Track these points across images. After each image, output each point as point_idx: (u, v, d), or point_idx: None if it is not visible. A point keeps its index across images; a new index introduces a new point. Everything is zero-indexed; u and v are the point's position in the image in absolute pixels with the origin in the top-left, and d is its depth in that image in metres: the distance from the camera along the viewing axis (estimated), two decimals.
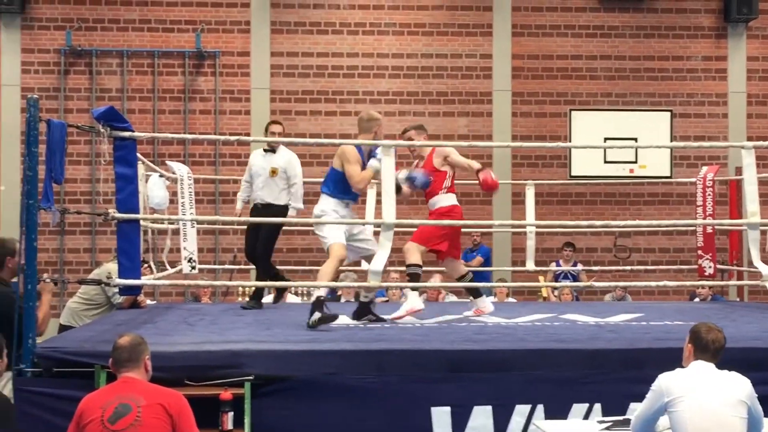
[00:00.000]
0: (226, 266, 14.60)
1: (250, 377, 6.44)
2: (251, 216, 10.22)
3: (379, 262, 7.54)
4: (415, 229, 9.12)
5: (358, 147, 8.67)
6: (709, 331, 5.53)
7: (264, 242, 10.18)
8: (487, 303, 9.23)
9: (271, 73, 16.23)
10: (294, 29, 16.33)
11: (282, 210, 10.21)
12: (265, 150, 10.34)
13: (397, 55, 16.45)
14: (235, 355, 6.61)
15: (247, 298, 14.44)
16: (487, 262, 15.01)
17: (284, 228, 15.24)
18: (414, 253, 8.61)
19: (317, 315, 7.98)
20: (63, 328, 9.48)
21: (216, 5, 16.21)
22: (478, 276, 13.80)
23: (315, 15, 16.36)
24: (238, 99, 16.19)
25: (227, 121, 16.04)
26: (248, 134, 15.77)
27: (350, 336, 7.62)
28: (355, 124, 15.78)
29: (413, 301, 8.68)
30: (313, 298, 8.34)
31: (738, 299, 12.65)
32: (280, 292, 11.61)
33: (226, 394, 6.32)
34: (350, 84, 16.35)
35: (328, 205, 8.61)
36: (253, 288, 10.79)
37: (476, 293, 9.20)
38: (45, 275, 7.30)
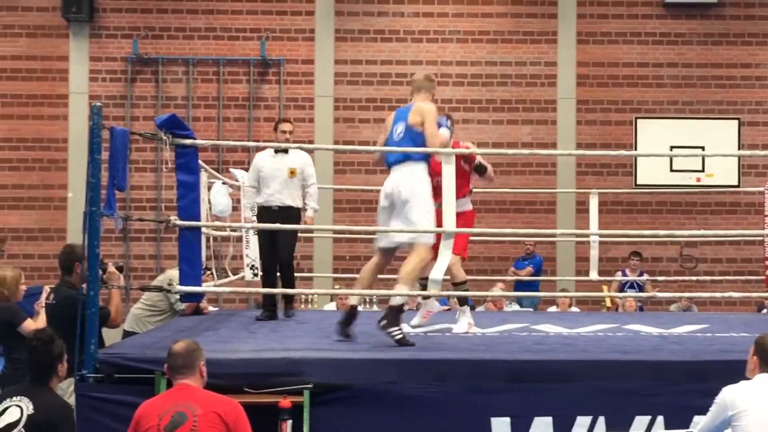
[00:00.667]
0: None
1: (309, 385, 6.43)
2: (264, 221, 9.42)
3: (439, 271, 7.47)
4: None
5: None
6: None
7: (290, 248, 9.65)
8: (435, 306, 8.96)
9: (335, 80, 16.28)
10: (358, 37, 16.37)
11: (299, 213, 9.77)
12: (276, 150, 9.75)
13: (461, 62, 16.42)
14: (295, 362, 6.60)
15: (308, 305, 14.56)
16: (538, 272, 14.89)
17: (349, 235, 15.39)
18: (461, 269, 8.40)
19: (398, 334, 7.33)
20: (127, 334, 9.57)
21: (281, 13, 16.31)
22: (528, 286, 13.75)
23: (379, 23, 16.38)
24: (302, 107, 16.26)
25: None
26: (312, 141, 15.81)
27: (409, 346, 7.56)
28: None
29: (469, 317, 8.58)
30: (391, 304, 7.52)
31: None
32: (290, 303, 10.23)
33: (285, 402, 6.31)
34: None
35: (423, 174, 7.71)
36: (269, 298, 9.86)
37: (463, 302, 8.69)
38: (110, 262, 7.38)
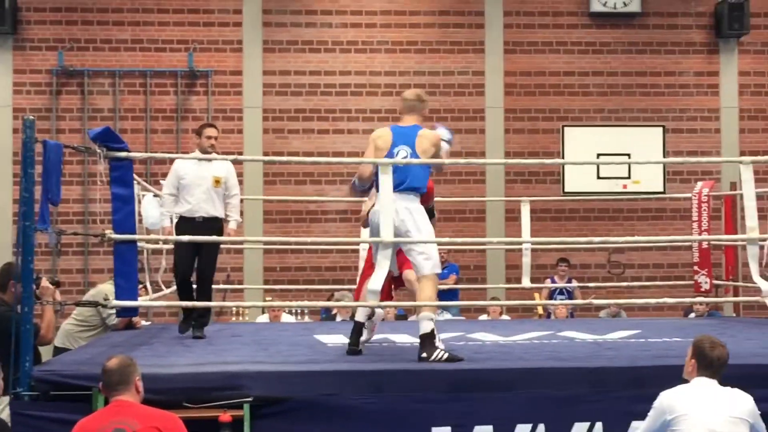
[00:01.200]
0: (220, 286, 14.50)
1: (249, 399, 6.39)
2: (184, 233, 8.73)
3: (377, 281, 7.45)
4: None
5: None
6: (713, 348, 5.50)
7: (213, 262, 9.15)
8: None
9: (264, 91, 16.22)
10: (286, 48, 16.32)
11: (221, 224, 9.22)
12: (199, 158, 9.14)
13: (390, 72, 16.45)
14: (234, 376, 6.56)
15: (240, 318, 14.46)
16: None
17: (279, 246, 15.35)
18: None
19: (443, 354, 7.12)
20: (58, 351, 9.44)
21: (208, 24, 16.21)
22: (450, 295, 13.79)
23: (307, 34, 16.36)
24: (231, 118, 16.16)
25: (220, 140, 15.71)
26: (241, 153, 15.73)
27: (348, 356, 7.56)
28: (348, 142, 16.12)
29: None
30: (422, 332, 7.20)
31: (734, 315, 12.61)
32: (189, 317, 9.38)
33: (225, 416, 6.27)
34: (343, 102, 16.34)
35: (414, 204, 7.59)
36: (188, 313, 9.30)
37: None
38: (44, 277, 7.26)
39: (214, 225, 9.09)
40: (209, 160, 9.16)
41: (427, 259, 7.37)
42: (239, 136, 16.10)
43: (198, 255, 9.03)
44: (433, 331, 7.18)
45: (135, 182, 8.21)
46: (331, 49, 16.39)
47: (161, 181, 11.89)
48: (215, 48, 16.21)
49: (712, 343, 5.54)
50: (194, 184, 8.99)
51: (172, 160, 15.50)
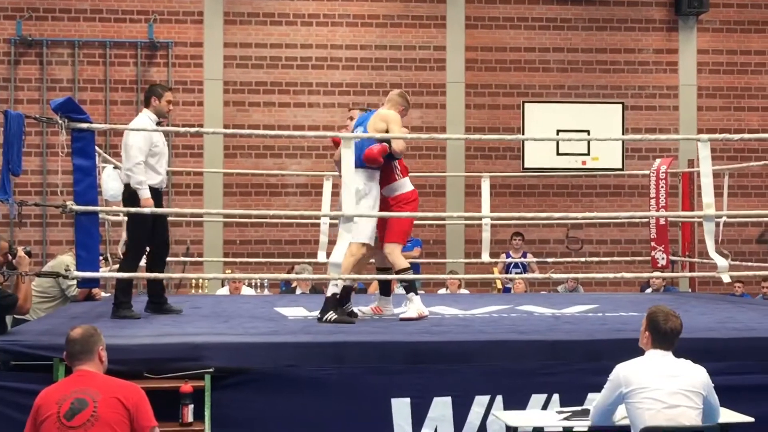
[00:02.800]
0: (180, 258, 14.51)
1: (210, 370, 6.42)
2: (159, 206, 8.42)
3: (338, 254, 7.51)
4: None
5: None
6: (666, 319, 5.55)
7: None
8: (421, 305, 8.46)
9: (225, 64, 16.16)
10: (247, 20, 16.26)
11: None
12: (158, 124, 8.61)
13: (351, 46, 16.43)
14: (195, 347, 6.58)
15: (200, 290, 14.45)
16: None
17: (240, 219, 15.35)
18: (399, 256, 8.23)
19: (332, 315, 7.84)
20: (17, 322, 9.38)
21: None
22: (413, 268, 13.85)
23: (268, 6, 16.30)
24: (191, 90, 16.10)
25: (180, 113, 15.90)
26: (201, 125, 15.68)
27: (309, 328, 7.61)
28: (308, 115, 16.11)
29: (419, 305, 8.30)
30: (328, 294, 7.98)
31: (690, 290, 12.77)
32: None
33: (186, 387, 6.30)
34: (304, 75, 16.31)
35: (360, 178, 7.98)
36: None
37: (411, 288, 8.42)
38: (20, 247, 7.22)
39: (161, 195, 8.75)
40: (166, 131, 8.94)
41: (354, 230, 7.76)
42: (200, 109, 16.05)
43: (164, 227, 8.77)
44: (334, 295, 7.88)
45: (96, 154, 8.17)
46: (292, 22, 16.35)
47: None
48: (176, 19, 16.11)
49: (665, 314, 5.59)
50: (163, 153, 8.50)
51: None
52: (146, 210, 7.99)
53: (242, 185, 16.08)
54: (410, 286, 8.34)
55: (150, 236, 8.43)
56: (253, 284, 13.85)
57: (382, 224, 8.24)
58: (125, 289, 8.30)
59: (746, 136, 9.23)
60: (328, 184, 11.26)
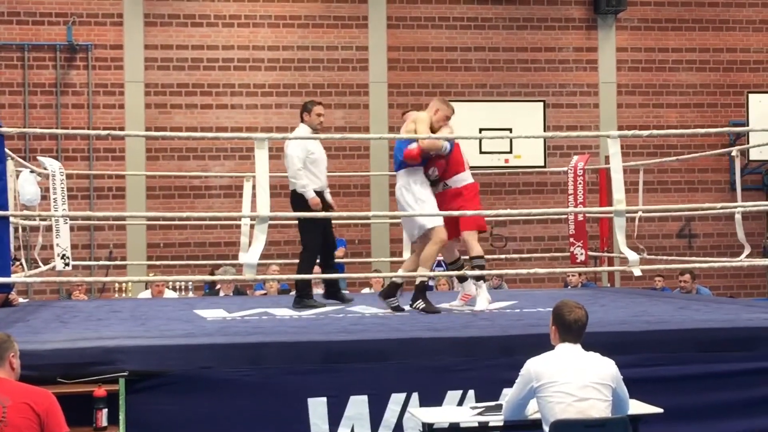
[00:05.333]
0: (102, 262, 14.40)
1: (125, 373, 6.37)
2: (324, 208, 9.19)
3: (253, 255, 7.51)
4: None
5: None
6: (570, 311, 5.62)
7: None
8: (472, 289, 9.17)
9: (146, 66, 16.06)
10: (168, 21, 16.18)
11: None
12: (313, 136, 9.35)
13: (273, 47, 16.43)
14: (109, 351, 6.51)
15: (123, 294, 14.34)
16: None
17: (163, 222, 15.27)
18: (475, 243, 8.82)
19: (421, 303, 8.62)
20: None
21: None
22: (337, 268, 13.92)
23: (189, 7, 16.23)
24: (112, 92, 15.98)
25: (101, 115, 15.79)
26: (122, 128, 15.57)
27: (226, 329, 7.59)
28: (231, 117, 16.07)
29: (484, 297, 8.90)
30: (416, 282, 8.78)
31: (609, 285, 12.93)
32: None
33: (100, 391, 6.24)
34: (226, 77, 16.27)
35: (404, 180, 8.78)
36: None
37: (464, 278, 9.28)
38: None
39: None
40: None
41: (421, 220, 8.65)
42: (120, 111, 15.94)
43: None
44: (422, 283, 8.82)
45: (9, 158, 8.09)
46: (213, 23, 16.30)
47: (39, 157, 11.74)
48: (95, 21, 15.99)
49: (569, 307, 5.65)
50: (322, 160, 9.37)
51: (52, 136, 15.42)
52: (79, 213, 8.05)
53: (165, 188, 15.99)
54: (479, 276, 8.88)
55: (323, 235, 9.34)
56: (176, 287, 13.79)
57: (452, 218, 8.76)
58: (306, 286, 9.42)
59: (655, 132, 9.32)
60: (248, 185, 11.23)
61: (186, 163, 16.01)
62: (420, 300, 8.71)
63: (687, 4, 17.49)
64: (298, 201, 9.17)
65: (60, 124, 15.59)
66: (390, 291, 8.98)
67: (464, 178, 9.03)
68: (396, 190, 8.89)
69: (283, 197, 15.35)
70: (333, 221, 14.68)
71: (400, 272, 8.99)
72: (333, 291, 9.74)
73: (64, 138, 15.69)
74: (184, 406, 6.46)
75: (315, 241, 9.26)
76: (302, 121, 9.49)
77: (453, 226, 8.84)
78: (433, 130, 8.78)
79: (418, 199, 8.68)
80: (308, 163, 9.18)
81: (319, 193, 9.21)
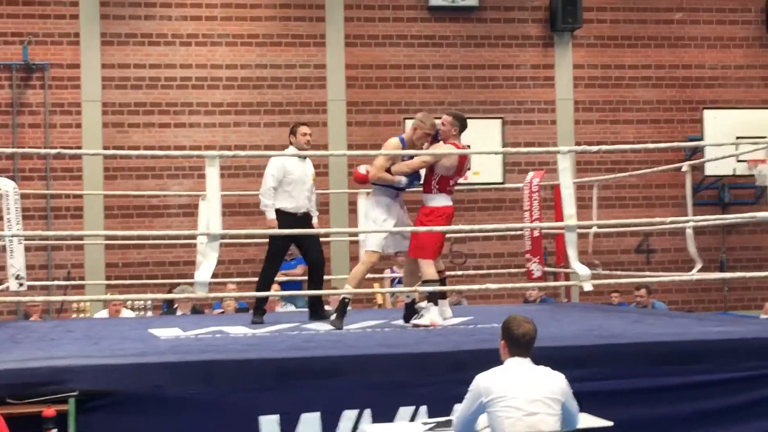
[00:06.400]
0: (60, 282, 14.31)
1: (75, 393, 6.33)
2: (293, 227, 9.37)
3: (205, 273, 7.50)
4: None
5: (402, 142, 9.12)
6: (519, 326, 5.65)
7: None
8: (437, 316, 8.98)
9: (103, 85, 16.01)
10: (125, 41, 16.15)
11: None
12: (299, 157, 9.62)
13: (231, 66, 16.42)
14: (59, 370, 6.46)
15: (80, 314, 14.25)
16: None
17: (121, 241, 15.20)
18: (425, 267, 8.93)
19: (334, 316, 8.86)
20: None
21: (44, 17, 15.91)
22: (295, 285, 13.94)
23: (146, 26, 16.21)
24: (69, 112, 15.91)
25: (58, 135, 15.73)
26: (80, 147, 15.49)
27: (178, 348, 7.57)
28: (189, 136, 16.04)
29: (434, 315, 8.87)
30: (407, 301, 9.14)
31: (566, 300, 12.97)
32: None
33: (49, 411, 6.19)
34: (184, 95, 16.25)
35: (372, 195, 9.23)
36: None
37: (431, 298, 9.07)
38: None
39: (310, 221, 9.88)
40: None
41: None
42: (78, 131, 15.87)
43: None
44: (413, 301, 9.07)
45: None
46: (171, 42, 16.28)
47: None
48: (51, 41, 15.93)
49: (517, 321, 5.68)
50: (301, 181, 9.59)
51: (8, 156, 15.32)
52: (35, 233, 8.03)
53: (123, 207, 15.92)
54: (431, 296, 8.87)
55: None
56: (134, 307, 13.72)
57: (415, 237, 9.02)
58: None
59: (604, 147, 9.47)
60: (203, 204, 11.20)
61: (144, 182, 15.96)
62: (336, 316, 8.86)
63: (642, 21, 17.65)
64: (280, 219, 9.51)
65: (16, 143, 15.50)
66: (409, 312, 9.16)
67: (427, 200, 9.15)
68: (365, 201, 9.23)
69: (242, 215, 15.76)
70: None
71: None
72: (315, 309, 10.00)
73: (21, 158, 15.60)
74: (135, 426, 6.43)
75: (276, 258, 9.70)
76: (290, 143, 9.76)
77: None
78: (415, 149, 9.03)
79: (370, 218, 9.11)
80: (285, 183, 9.48)
81: (293, 215, 9.51)
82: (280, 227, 9.38)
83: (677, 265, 16.52)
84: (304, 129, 9.71)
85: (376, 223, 9.00)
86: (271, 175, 9.49)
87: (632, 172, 13.99)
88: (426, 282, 8.77)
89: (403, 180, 9.04)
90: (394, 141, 9.16)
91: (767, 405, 7.11)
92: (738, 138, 15.15)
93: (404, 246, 9.15)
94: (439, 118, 9.27)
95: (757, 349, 7.31)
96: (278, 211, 9.55)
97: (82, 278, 15.31)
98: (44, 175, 15.78)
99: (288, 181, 9.49)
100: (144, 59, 16.19)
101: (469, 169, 9.74)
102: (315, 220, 10.01)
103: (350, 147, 16.36)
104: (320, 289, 9.87)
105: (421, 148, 9.03)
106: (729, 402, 7.09)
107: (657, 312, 12.28)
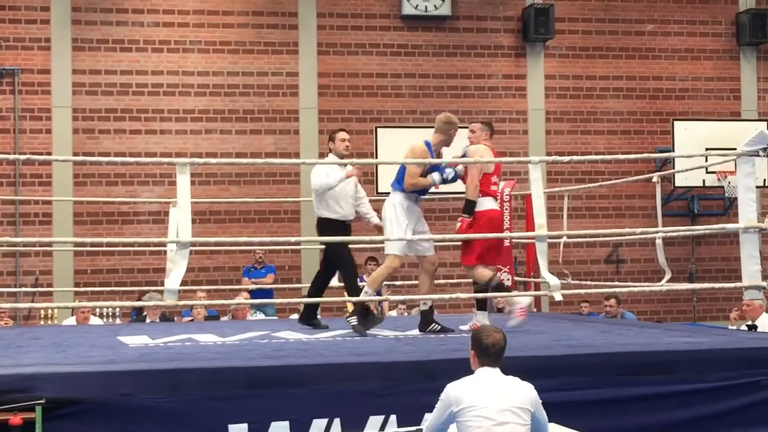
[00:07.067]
0: (28, 289, 14.22)
1: (42, 401, 6.28)
2: (348, 234, 9.65)
3: (174, 281, 7.46)
4: None
5: (429, 146, 9.15)
6: (488, 335, 5.66)
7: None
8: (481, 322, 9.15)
9: (73, 90, 15.93)
10: (96, 46, 16.07)
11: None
12: (339, 165, 9.61)
13: (203, 72, 16.38)
14: (26, 378, 6.41)
15: (48, 321, 14.15)
16: None
17: (90, 248, 15.11)
18: (478, 273, 9.27)
19: (436, 326, 9.02)
20: None
21: (14, 21, 15.82)
22: (266, 294, 13.92)
23: (118, 32, 16.14)
24: (39, 117, 15.82)
25: (27, 140, 15.62)
26: (50, 153, 15.41)
27: (146, 356, 7.53)
28: (160, 143, 15.98)
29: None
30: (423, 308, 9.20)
31: (536, 310, 13.00)
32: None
33: (16, 419, 6.14)
34: (155, 102, 16.18)
35: (395, 199, 9.09)
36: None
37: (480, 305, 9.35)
38: None
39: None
40: None
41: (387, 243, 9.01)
42: (48, 136, 15.77)
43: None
44: (430, 308, 9.19)
45: None
46: (142, 48, 16.22)
47: None
48: (22, 46, 15.83)
49: (487, 331, 5.70)
50: (342, 188, 9.63)
51: None
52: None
53: (93, 213, 15.83)
54: (480, 303, 9.23)
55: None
56: (103, 314, 13.64)
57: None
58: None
59: (575, 158, 9.46)
60: (174, 210, 11.17)
61: (114, 188, 15.88)
62: (356, 318, 9.00)
63: (614, 32, 17.74)
64: (323, 226, 9.68)
65: None
66: (426, 320, 9.24)
67: (485, 204, 9.30)
68: (386, 203, 9.19)
69: (213, 223, 15.72)
70: (264, 247, 14.84)
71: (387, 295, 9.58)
72: (309, 316, 10.04)
73: None
74: None
75: (349, 264, 9.65)
76: (329, 150, 9.85)
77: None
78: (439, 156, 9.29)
79: (395, 221, 9.03)
80: (329, 192, 9.57)
81: (342, 222, 9.65)
82: (330, 234, 9.45)
83: (647, 276, 16.60)
84: (342, 135, 9.74)
85: (400, 227, 8.98)
86: (318, 182, 9.55)
87: (603, 183, 14.04)
88: (474, 286, 9.13)
89: (437, 178, 9.22)
90: (421, 146, 9.19)
91: (735, 415, 7.15)
92: (707, 149, 15.19)
93: (419, 251, 9.23)
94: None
95: (725, 360, 7.35)
96: (325, 220, 9.65)
97: (50, 285, 15.21)
98: (13, 180, 15.67)
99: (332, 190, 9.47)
100: (115, 65, 16.11)
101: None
102: (377, 220, 9.96)
103: (321, 155, 16.28)
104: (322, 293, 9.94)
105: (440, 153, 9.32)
106: (697, 413, 7.12)
107: (626, 322, 12.32)
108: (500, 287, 9.43)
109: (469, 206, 9.26)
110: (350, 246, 9.66)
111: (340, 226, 9.59)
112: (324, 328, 9.65)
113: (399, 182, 9.14)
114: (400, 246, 8.98)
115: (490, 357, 5.63)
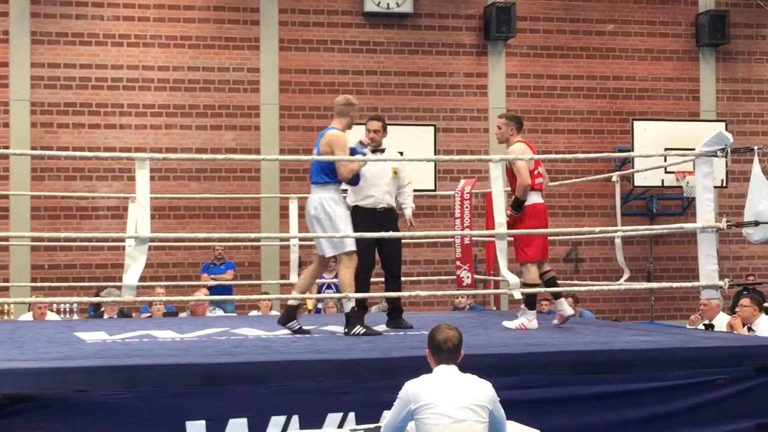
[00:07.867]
0: None
1: None
2: (372, 223, 8.99)
3: (132, 276, 7.41)
4: None
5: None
6: (440, 332, 5.69)
7: (399, 254, 9.64)
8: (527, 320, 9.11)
9: (32, 84, 15.81)
10: (56, 40, 15.96)
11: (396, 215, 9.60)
12: (373, 150, 9.28)
13: (163, 67, 16.30)
14: None
15: (5, 317, 14.02)
16: None
17: (48, 243, 15.00)
18: (529, 272, 9.05)
19: (360, 329, 8.49)
20: None
21: None
22: (225, 290, 13.87)
23: (77, 26, 16.03)
24: None
25: None
26: (7, 147, 15.28)
27: (103, 352, 7.47)
28: (119, 137, 15.89)
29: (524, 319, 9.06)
30: (347, 310, 8.60)
31: (495, 308, 13.04)
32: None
33: None
34: (115, 96, 16.09)
35: (323, 194, 8.60)
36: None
37: (528, 302, 9.12)
38: None
39: (393, 215, 9.49)
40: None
41: (329, 242, 8.47)
42: (5, 130, 15.67)
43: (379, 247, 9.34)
44: (353, 309, 8.50)
45: None
46: (102, 42, 16.12)
47: None
48: None
49: (440, 328, 5.72)
50: (377, 175, 9.27)
51: None
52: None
53: (51, 208, 15.72)
54: (528, 300, 9.00)
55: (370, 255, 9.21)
56: (60, 310, 13.53)
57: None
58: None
59: (536, 156, 9.49)
60: (133, 206, 11.10)
61: (72, 183, 15.77)
62: (357, 325, 8.56)
63: (575, 32, 17.83)
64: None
65: None
66: (289, 315, 8.75)
67: (530, 198, 9.16)
68: (312, 200, 8.70)
69: (172, 218, 15.65)
70: (223, 243, 14.81)
71: (294, 293, 8.80)
72: (393, 316, 9.71)
73: None
74: (58, 431, 6.33)
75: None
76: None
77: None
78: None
79: (333, 216, 8.54)
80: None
81: (372, 210, 9.23)
82: (357, 224, 8.80)
83: (605, 275, 16.69)
84: (371, 124, 9.49)
85: (344, 222, 8.52)
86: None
87: (562, 182, 14.10)
88: (525, 286, 8.84)
89: (368, 154, 8.97)
90: (337, 132, 8.74)
91: (692, 414, 7.19)
92: (666, 149, 15.33)
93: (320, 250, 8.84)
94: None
95: (683, 358, 7.39)
96: (355, 207, 9.21)
97: (6, 280, 15.09)
98: None
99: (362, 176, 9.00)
100: (74, 59, 16.01)
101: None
102: (409, 212, 9.78)
103: (282, 151, 16.33)
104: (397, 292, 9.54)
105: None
106: (655, 411, 7.15)
107: (584, 321, 12.38)
108: (552, 281, 9.34)
109: (518, 204, 9.07)
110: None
111: (369, 214, 9.21)
112: (409, 327, 9.34)
113: (325, 175, 8.65)
114: (352, 241, 8.52)
115: (443, 354, 5.65)
